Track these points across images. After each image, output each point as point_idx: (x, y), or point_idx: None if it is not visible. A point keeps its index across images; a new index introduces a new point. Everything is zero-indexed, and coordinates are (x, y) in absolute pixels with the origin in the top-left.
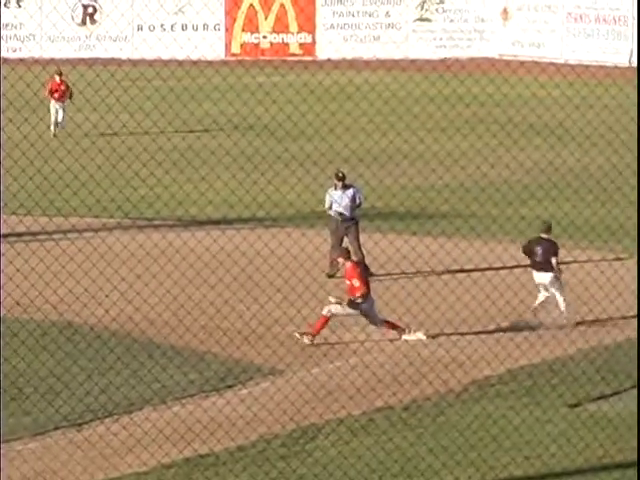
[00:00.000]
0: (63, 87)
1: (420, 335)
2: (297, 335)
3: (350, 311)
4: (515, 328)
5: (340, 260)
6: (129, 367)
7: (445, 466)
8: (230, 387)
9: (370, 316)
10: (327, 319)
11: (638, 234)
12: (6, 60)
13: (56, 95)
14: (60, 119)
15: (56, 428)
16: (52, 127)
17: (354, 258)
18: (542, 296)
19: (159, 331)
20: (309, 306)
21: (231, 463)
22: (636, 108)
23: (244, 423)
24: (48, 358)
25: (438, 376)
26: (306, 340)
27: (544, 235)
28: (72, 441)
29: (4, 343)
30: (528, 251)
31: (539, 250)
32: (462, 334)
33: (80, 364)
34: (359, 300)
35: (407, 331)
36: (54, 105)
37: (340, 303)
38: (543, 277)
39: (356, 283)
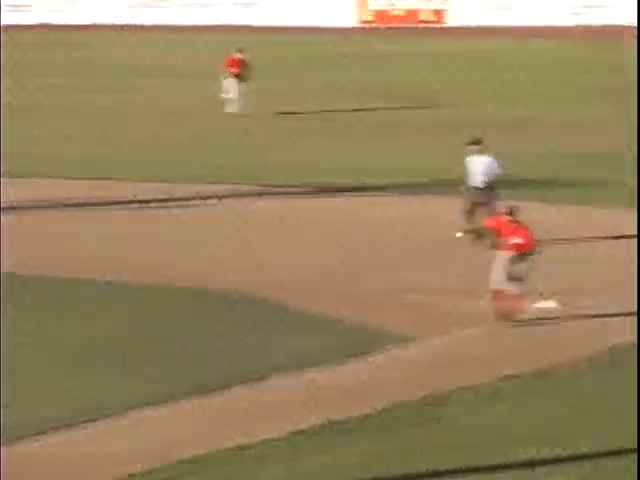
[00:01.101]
0: (242, 65)
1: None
2: (506, 323)
3: (506, 269)
4: None
5: (505, 220)
6: (262, 333)
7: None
8: (363, 354)
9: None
10: (499, 291)
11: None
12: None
13: (233, 71)
14: (238, 96)
15: (186, 394)
16: (236, 105)
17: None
18: None
19: (292, 297)
20: (442, 273)
21: (362, 430)
22: None
23: (376, 390)
24: (181, 323)
25: (572, 344)
26: (517, 318)
27: None
28: (201, 407)
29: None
30: None
31: None
32: (598, 303)
33: (214, 329)
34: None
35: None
36: (231, 82)
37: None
38: None
39: (525, 239)
